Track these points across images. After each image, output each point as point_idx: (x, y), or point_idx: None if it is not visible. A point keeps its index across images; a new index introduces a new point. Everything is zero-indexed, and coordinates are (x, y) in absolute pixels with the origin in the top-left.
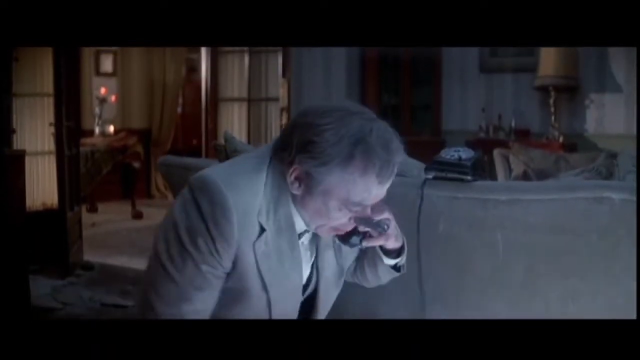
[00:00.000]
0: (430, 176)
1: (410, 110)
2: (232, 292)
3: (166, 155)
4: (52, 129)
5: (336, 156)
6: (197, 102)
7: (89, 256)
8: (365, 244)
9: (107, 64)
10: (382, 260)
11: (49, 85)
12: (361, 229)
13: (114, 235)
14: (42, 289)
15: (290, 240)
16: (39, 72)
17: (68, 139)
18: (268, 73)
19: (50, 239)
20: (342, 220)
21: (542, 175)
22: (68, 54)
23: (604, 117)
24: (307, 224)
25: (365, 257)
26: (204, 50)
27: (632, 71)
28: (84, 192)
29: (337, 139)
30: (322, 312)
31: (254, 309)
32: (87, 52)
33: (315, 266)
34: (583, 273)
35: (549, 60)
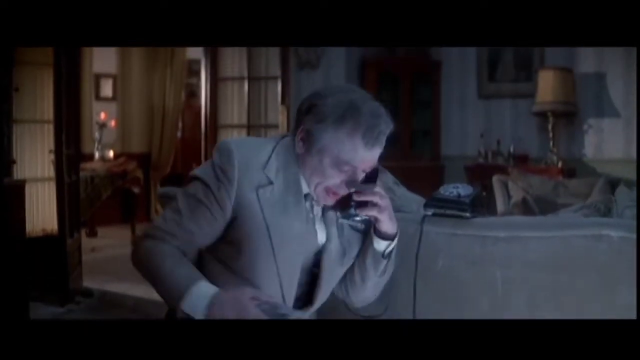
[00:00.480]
0: (429, 213)
1: (409, 135)
2: (238, 243)
3: (167, 187)
4: (52, 156)
5: (330, 115)
6: (197, 127)
7: (89, 282)
8: (360, 212)
9: (107, 88)
10: (372, 245)
11: (49, 112)
12: (353, 193)
13: (114, 261)
14: (42, 316)
15: (295, 196)
16: (39, 99)
17: (68, 166)
18: (267, 100)
19: (50, 266)
20: (336, 181)
21: (541, 201)
22: (68, 77)
23: (603, 142)
24: (307, 184)
25: (360, 252)
26: (203, 76)
27: (630, 95)
28: (83, 217)
29: (335, 103)
30: (325, 287)
31: (259, 257)
32: (87, 77)
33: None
34: (582, 310)
35: (547, 86)
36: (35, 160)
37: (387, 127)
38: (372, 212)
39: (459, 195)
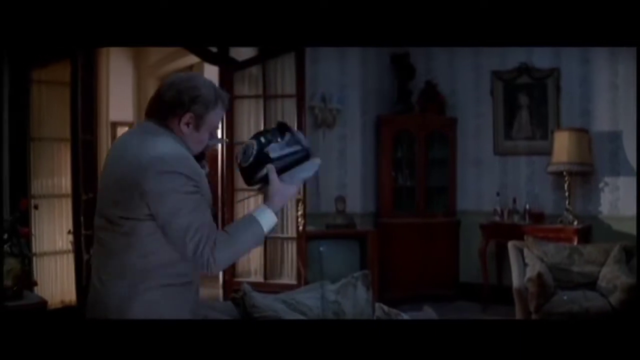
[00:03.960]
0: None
1: (425, 192)
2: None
3: None
4: (71, 237)
5: (212, 101)
6: (214, 169)
7: None
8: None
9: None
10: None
11: (67, 187)
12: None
13: None
14: None
15: (199, 165)
16: (56, 171)
17: (86, 242)
18: None
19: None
20: (205, 143)
21: (556, 269)
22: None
23: (618, 199)
24: (191, 153)
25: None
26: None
27: None
28: None
29: (208, 92)
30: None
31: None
32: (104, 125)
33: None
34: None
35: (562, 148)
36: (54, 234)
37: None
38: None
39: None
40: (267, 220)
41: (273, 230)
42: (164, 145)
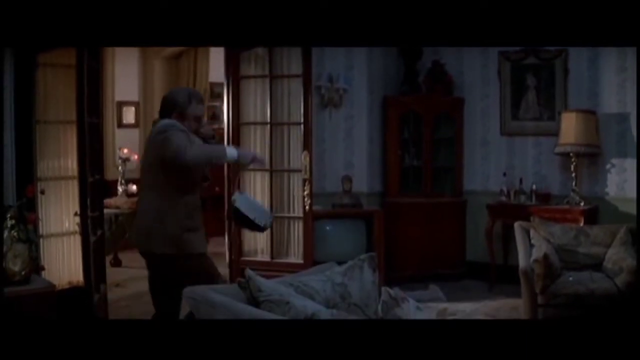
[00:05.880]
0: None
1: (431, 172)
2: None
3: (196, 288)
4: (77, 219)
5: (184, 103)
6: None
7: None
8: None
9: (129, 115)
10: None
11: (73, 169)
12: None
13: (138, 300)
14: None
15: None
16: (62, 153)
17: (93, 225)
18: (290, 144)
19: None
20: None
21: (562, 251)
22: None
23: (625, 181)
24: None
25: None
26: (225, 104)
27: None
28: (107, 255)
29: (182, 99)
30: None
31: None
32: (110, 105)
33: None
34: None
35: (569, 129)
36: (61, 215)
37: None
38: None
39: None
40: (230, 152)
41: (230, 161)
42: (168, 121)
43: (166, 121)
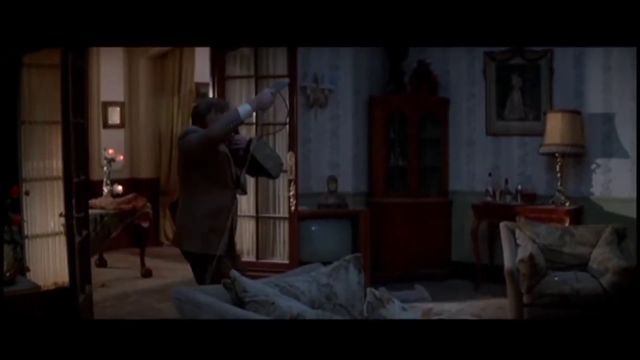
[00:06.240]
0: None
1: (417, 172)
2: None
3: (181, 289)
4: (62, 220)
5: (205, 113)
6: None
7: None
8: None
9: (114, 116)
10: None
11: (58, 169)
12: None
13: (124, 300)
14: None
15: None
16: (48, 154)
17: (78, 225)
18: (276, 144)
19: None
20: None
21: (548, 251)
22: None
23: (611, 181)
24: None
25: None
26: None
27: None
28: (92, 255)
29: (204, 109)
30: None
31: None
32: (95, 105)
33: None
34: None
35: (555, 129)
36: (46, 216)
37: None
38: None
39: None
40: (243, 108)
41: (248, 116)
42: (191, 127)
43: (188, 127)
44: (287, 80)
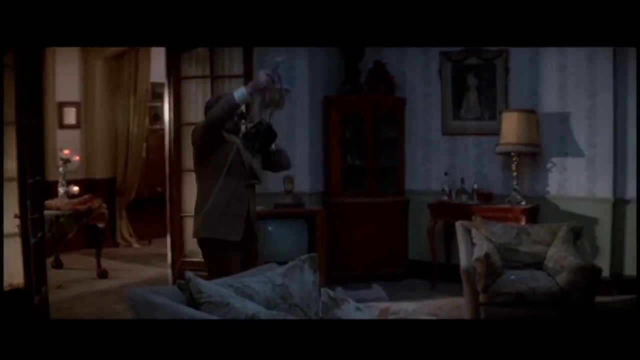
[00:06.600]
0: None
1: (374, 172)
2: None
3: (135, 290)
4: (17, 221)
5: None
6: (161, 150)
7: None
8: None
9: (70, 116)
10: None
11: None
12: None
13: (80, 302)
14: None
15: None
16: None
17: (33, 226)
18: None
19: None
20: None
21: (504, 249)
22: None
23: (566, 180)
24: None
25: None
26: (166, 104)
27: (594, 136)
28: (48, 256)
29: (214, 100)
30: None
31: None
32: (51, 106)
33: None
34: None
35: (510, 128)
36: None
37: None
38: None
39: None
40: (238, 91)
41: (243, 99)
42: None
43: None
44: (281, 58)
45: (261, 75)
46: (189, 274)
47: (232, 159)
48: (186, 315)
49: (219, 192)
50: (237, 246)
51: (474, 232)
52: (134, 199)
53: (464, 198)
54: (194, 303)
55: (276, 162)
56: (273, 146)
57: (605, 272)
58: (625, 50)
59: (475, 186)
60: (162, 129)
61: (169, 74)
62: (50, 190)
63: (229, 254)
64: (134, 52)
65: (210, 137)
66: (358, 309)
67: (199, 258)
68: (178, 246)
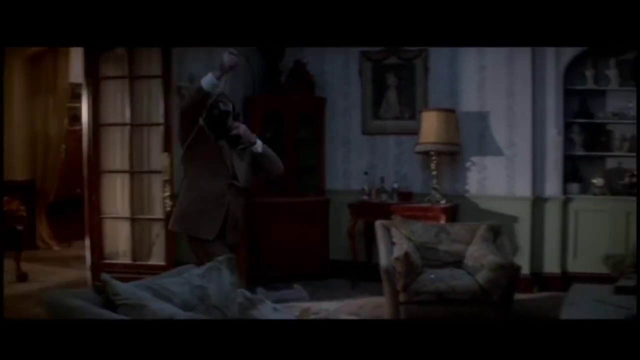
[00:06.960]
0: None
1: (294, 172)
2: None
3: (52, 293)
4: None
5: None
6: (80, 152)
7: None
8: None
9: None
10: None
11: None
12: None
13: None
14: None
15: None
16: None
17: None
18: (151, 145)
19: None
20: None
21: (424, 248)
22: None
23: (485, 179)
24: None
25: None
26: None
27: (513, 136)
28: None
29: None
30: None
31: None
32: None
33: None
34: None
35: (430, 128)
36: None
37: None
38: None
39: None
40: (206, 79)
41: (212, 85)
42: None
43: None
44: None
45: (224, 56)
46: (104, 276)
47: (215, 160)
48: (102, 318)
49: (197, 189)
50: (212, 242)
51: (393, 231)
52: (54, 200)
53: (384, 197)
54: (110, 305)
55: (262, 165)
56: (259, 149)
57: (525, 270)
58: (543, 50)
59: (395, 185)
60: (80, 130)
61: (87, 75)
62: None
63: (207, 247)
64: (52, 52)
65: (187, 125)
66: (275, 309)
67: (119, 260)
68: (98, 248)
